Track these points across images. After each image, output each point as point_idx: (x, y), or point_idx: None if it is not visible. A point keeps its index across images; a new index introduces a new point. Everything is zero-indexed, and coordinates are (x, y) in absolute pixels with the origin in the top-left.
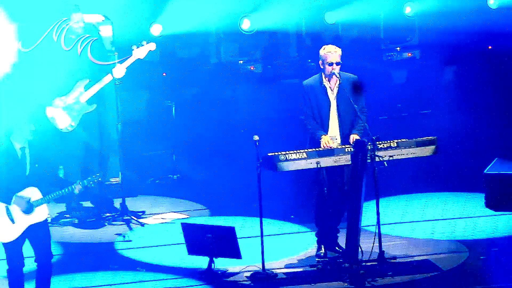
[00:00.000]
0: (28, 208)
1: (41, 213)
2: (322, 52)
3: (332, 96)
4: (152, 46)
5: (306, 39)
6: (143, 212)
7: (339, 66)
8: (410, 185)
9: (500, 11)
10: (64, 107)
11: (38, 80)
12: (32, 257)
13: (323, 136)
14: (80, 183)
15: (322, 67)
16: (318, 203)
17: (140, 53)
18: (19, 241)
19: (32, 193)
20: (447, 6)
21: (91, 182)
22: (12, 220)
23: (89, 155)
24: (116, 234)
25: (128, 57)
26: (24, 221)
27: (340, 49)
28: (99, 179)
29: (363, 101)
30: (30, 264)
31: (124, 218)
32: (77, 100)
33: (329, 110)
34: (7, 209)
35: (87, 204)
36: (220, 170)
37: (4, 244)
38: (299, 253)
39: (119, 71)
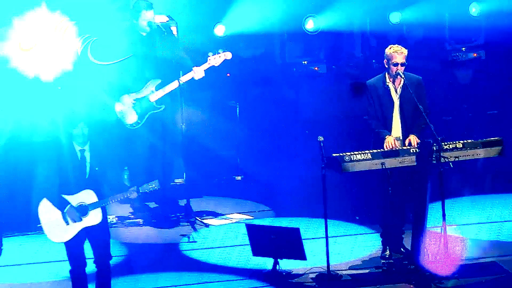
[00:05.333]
0: (83, 210)
1: (95, 217)
2: (388, 51)
3: (396, 96)
4: (228, 55)
5: (370, 39)
6: (208, 213)
7: (404, 66)
8: (476, 186)
9: None
10: (133, 104)
11: (102, 79)
12: (91, 258)
13: (387, 137)
14: (135, 190)
15: (386, 66)
16: (382, 204)
17: (215, 60)
18: (77, 242)
19: (88, 196)
20: None
21: (146, 190)
22: (67, 222)
23: (154, 156)
24: (181, 235)
25: (203, 63)
26: (78, 223)
27: (406, 50)
28: (156, 187)
29: (427, 102)
30: (92, 265)
31: (189, 219)
32: (146, 98)
33: (393, 111)
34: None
35: (152, 204)
36: (284, 171)
37: (65, 244)
38: (364, 254)
39: (199, 73)
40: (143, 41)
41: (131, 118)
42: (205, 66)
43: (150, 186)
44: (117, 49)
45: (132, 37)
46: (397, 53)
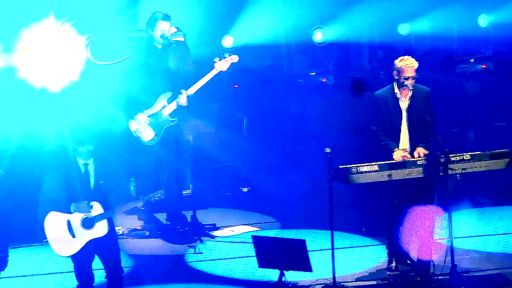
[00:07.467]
0: (89, 222)
1: (102, 228)
2: (398, 63)
3: (404, 107)
4: (235, 59)
5: (378, 50)
6: (214, 224)
7: (415, 79)
8: (483, 198)
9: None
10: (148, 121)
11: (109, 88)
12: (102, 269)
13: (396, 150)
14: (141, 199)
15: (396, 77)
16: (389, 215)
17: (222, 66)
18: (84, 256)
19: (94, 208)
20: None
21: (152, 199)
22: (73, 234)
23: (160, 167)
24: (187, 246)
25: (211, 70)
26: (84, 236)
27: (417, 63)
28: (162, 197)
29: (434, 113)
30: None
31: (196, 231)
32: (160, 113)
33: (401, 122)
34: (68, 223)
35: (158, 216)
36: (291, 183)
37: (72, 259)
38: (370, 266)
39: (195, 86)
40: (157, 53)
41: (148, 135)
42: (213, 73)
43: (156, 196)
44: (117, 51)
45: (147, 50)
46: (408, 67)
